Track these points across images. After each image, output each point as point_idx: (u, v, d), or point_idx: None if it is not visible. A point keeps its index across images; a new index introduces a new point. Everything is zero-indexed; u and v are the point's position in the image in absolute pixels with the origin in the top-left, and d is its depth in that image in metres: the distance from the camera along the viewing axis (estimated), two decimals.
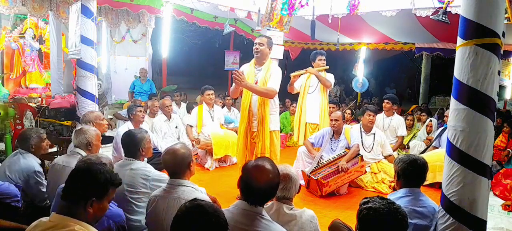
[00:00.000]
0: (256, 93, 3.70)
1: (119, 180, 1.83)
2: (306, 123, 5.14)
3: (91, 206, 1.67)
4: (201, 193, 2.31)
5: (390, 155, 4.84)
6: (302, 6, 4.86)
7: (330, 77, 5.10)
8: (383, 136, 4.92)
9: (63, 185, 2.33)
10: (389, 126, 5.72)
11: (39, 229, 1.63)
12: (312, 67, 5.16)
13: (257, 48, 3.75)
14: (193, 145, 5.29)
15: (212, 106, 5.60)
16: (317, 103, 5.08)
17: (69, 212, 1.65)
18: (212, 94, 5.58)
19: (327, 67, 5.10)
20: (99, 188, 1.71)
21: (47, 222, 1.65)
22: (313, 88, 5.12)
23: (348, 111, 6.86)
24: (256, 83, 3.70)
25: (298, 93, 5.34)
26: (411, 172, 2.40)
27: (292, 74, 4.99)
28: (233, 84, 3.77)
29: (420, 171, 2.41)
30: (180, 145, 2.39)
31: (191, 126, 5.52)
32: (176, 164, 2.27)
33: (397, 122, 5.67)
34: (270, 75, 3.71)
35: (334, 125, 4.55)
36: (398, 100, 6.23)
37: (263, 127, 3.73)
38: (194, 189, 2.27)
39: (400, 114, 6.54)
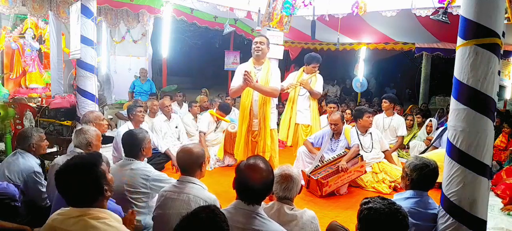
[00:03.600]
0: (263, 93, 3.78)
1: (99, 154, 1.89)
2: (296, 124, 5.12)
3: (106, 191, 1.74)
4: (209, 193, 2.34)
5: (386, 150, 4.86)
6: (305, 5, 4.85)
7: (320, 80, 5.03)
8: (378, 133, 4.93)
9: None
10: (389, 126, 5.72)
11: (58, 224, 1.63)
12: (305, 66, 5.15)
13: (258, 47, 3.80)
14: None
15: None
16: (307, 105, 5.06)
17: (86, 204, 1.67)
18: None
19: (317, 71, 5.06)
20: (102, 179, 1.73)
21: (68, 212, 1.66)
22: (304, 90, 5.10)
23: (348, 111, 6.87)
24: (256, 81, 3.73)
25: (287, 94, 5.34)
26: (424, 176, 2.41)
27: (286, 88, 4.97)
28: (234, 83, 3.80)
29: (431, 175, 2.42)
30: (195, 145, 2.50)
31: (204, 133, 5.55)
32: (190, 162, 2.36)
33: (397, 122, 5.67)
34: (271, 75, 3.81)
35: (333, 128, 4.56)
36: (397, 100, 6.21)
37: (264, 125, 3.82)
38: (203, 188, 2.34)
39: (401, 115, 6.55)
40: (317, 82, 4.99)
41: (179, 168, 2.42)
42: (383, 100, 5.81)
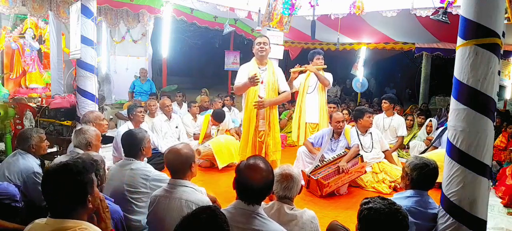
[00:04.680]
0: (278, 103, 3.93)
1: (91, 163, 1.76)
2: (305, 123, 5.15)
3: (89, 202, 1.62)
4: (201, 194, 2.31)
5: (386, 150, 4.86)
6: (312, 6, 4.87)
7: (328, 76, 5.10)
8: (378, 133, 4.94)
9: None
10: (390, 126, 5.72)
11: None
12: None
13: (262, 48, 3.81)
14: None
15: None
16: (316, 103, 5.08)
17: (65, 214, 1.55)
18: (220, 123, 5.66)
19: (325, 66, 5.10)
20: (86, 185, 1.60)
21: (44, 226, 1.56)
22: (312, 88, 5.12)
23: (346, 111, 6.86)
24: (261, 82, 3.76)
25: (296, 94, 5.35)
26: (424, 175, 2.41)
27: (291, 70, 4.99)
28: (239, 80, 3.81)
29: (430, 174, 2.42)
30: (184, 145, 2.38)
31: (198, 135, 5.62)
32: (179, 164, 2.27)
33: (398, 122, 5.67)
34: (278, 78, 3.88)
35: (340, 126, 4.55)
36: (396, 100, 6.20)
37: (273, 125, 3.89)
38: (195, 189, 2.27)
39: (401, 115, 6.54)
40: (326, 74, 5.04)
41: (168, 170, 2.31)
42: (383, 101, 5.81)
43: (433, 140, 5.48)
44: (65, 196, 1.56)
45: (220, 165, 4.96)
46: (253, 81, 3.55)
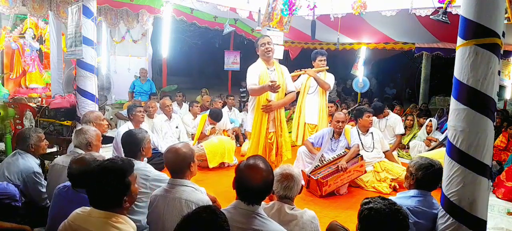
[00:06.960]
0: (285, 105, 3.96)
1: (131, 164, 1.91)
2: (305, 123, 5.14)
3: (126, 202, 1.82)
4: (201, 194, 2.31)
5: (387, 151, 4.86)
6: (311, 9, 4.86)
7: (330, 78, 5.08)
8: (379, 133, 4.95)
9: (62, 185, 2.35)
10: (386, 126, 5.73)
11: (79, 222, 1.75)
12: (313, 67, 5.15)
13: (267, 48, 3.78)
14: None
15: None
16: (316, 104, 5.07)
17: (107, 207, 1.77)
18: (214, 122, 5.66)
19: (327, 67, 5.09)
20: (125, 186, 1.80)
21: (89, 213, 1.77)
22: (313, 89, 5.11)
23: (344, 111, 6.86)
24: (279, 86, 3.72)
25: (297, 94, 5.34)
26: (429, 175, 2.42)
27: (291, 75, 4.98)
28: (253, 81, 3.75)
29: (435, 175, 2.42)
30: (183, 144, 2.37)
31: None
32: (177, 163, 2.26)
33: (394, 121, 5.68)
34: (285, 78, 3.90)
35: (340, 126, 4.54)
36: (382, 108, 6.09)
37: (283, 125, 3.94)
38: (194, 189, 2.26)
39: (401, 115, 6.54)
40: (327, 77, 5.03)
41: (168, 170, 2.31)
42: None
43: (444, 138, 5.47)
44: (105, 197, 1.78)
45: (210, 165, 5.01)
46: (274, 88, 3.50)
